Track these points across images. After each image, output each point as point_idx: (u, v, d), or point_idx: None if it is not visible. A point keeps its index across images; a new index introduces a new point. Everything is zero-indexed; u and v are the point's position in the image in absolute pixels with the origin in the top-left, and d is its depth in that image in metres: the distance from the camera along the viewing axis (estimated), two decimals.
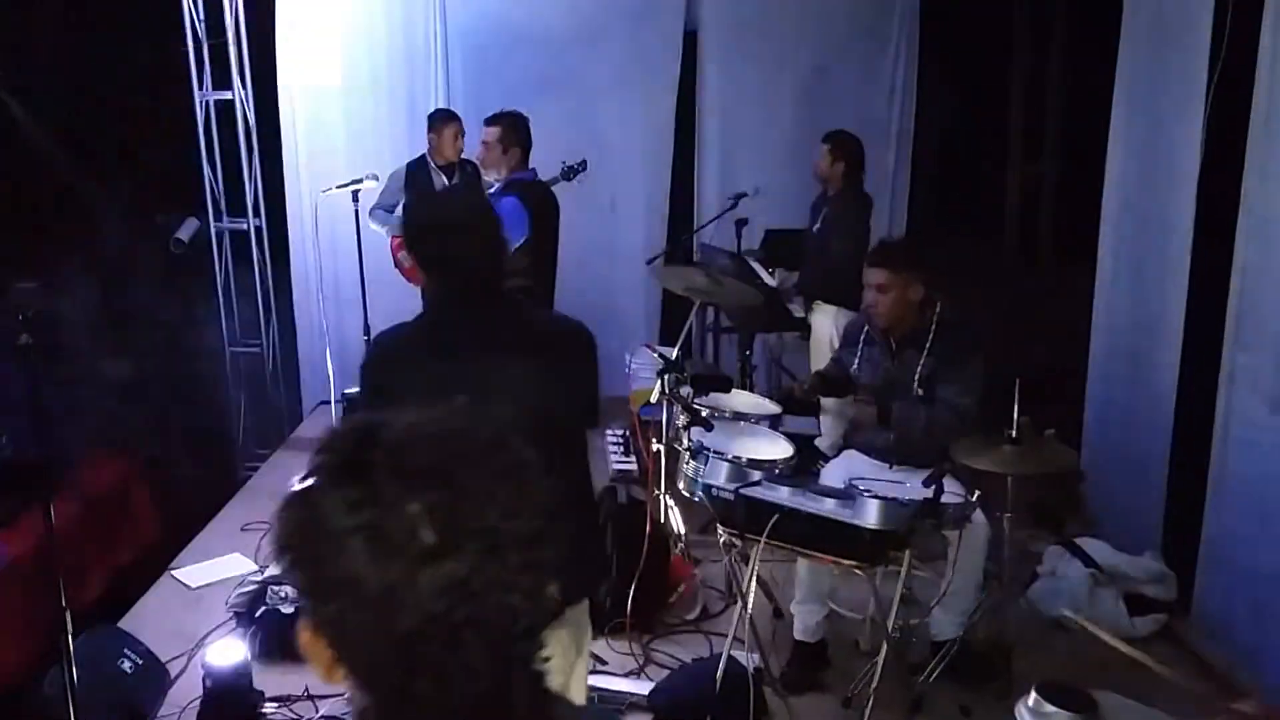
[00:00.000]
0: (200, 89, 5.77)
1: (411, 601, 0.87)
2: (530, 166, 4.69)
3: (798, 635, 3.65)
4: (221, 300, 6.16)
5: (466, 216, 2.35)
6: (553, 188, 4.85)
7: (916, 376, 3.63)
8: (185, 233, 5.82)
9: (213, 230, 6.02)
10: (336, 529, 0.88)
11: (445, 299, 2.33)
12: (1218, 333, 3.85)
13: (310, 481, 0.92)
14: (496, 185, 4.62)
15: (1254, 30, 3.63)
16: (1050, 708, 2.30)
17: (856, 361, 3.83)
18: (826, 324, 5.11)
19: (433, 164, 5.43)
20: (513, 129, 4.56)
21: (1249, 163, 3.68)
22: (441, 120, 5.42)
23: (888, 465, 3.73)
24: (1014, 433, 3.22)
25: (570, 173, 4.96)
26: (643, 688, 3.47)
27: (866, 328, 3.81)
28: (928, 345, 3.65)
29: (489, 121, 4.72)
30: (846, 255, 4.84)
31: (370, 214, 5.36)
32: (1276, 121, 3.56)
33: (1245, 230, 3.72)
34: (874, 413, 3.69)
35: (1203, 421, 3.92)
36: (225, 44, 5.68)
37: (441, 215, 2.41)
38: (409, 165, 5.45)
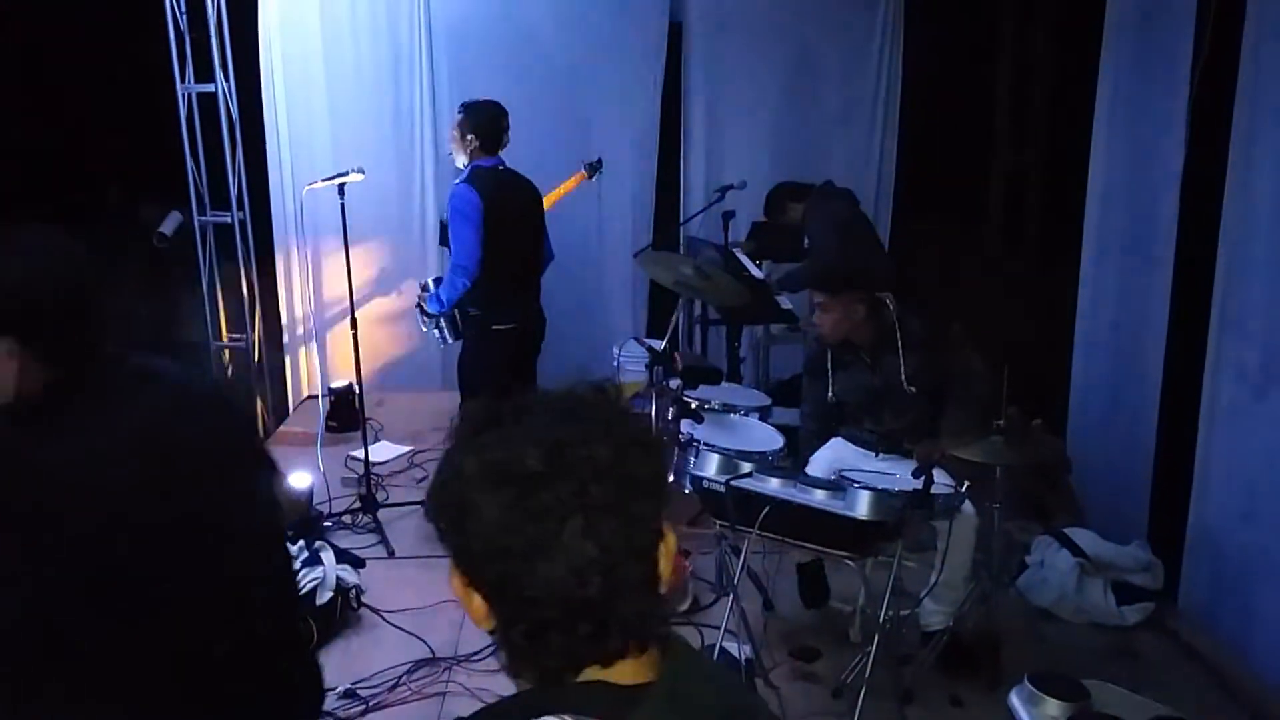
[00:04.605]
0: (182, 82, 5.72)
1: (521, 521, 0.98)
2: (498, 155, 4.67)
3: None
4: (206, 295, 6.11)
5: None
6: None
7: (903, 377, 3.66)
8: (169, 227, 5.77)
9: (196, 224, 5.96)
10: (468, 471, 1.02)
11: None
12: (1203, 320, 3.86)
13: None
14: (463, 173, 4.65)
15: (1238, 16, 3.65)
16: (1043, 697, 2.31)
17: (830, 389, 3.85)
18: None
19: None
20: (470, 117, 4.57)
21: (1233, 150, 3.69)
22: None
23: (873, 454, 3.76)
24: (1002, 423, 3.24)
25: (591, 170, 5.28)
26: None
27: (830, 352, 3.83)
28: (900, 344, 3.68)
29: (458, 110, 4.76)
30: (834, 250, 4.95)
31: None
32: (1261, 108, 3.58)
33: (1230, 217, 3.73)
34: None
35: (1188, 409, 3.94)
36: (207, 36, 5.63)
37: None
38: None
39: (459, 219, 4.41)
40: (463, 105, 4.58)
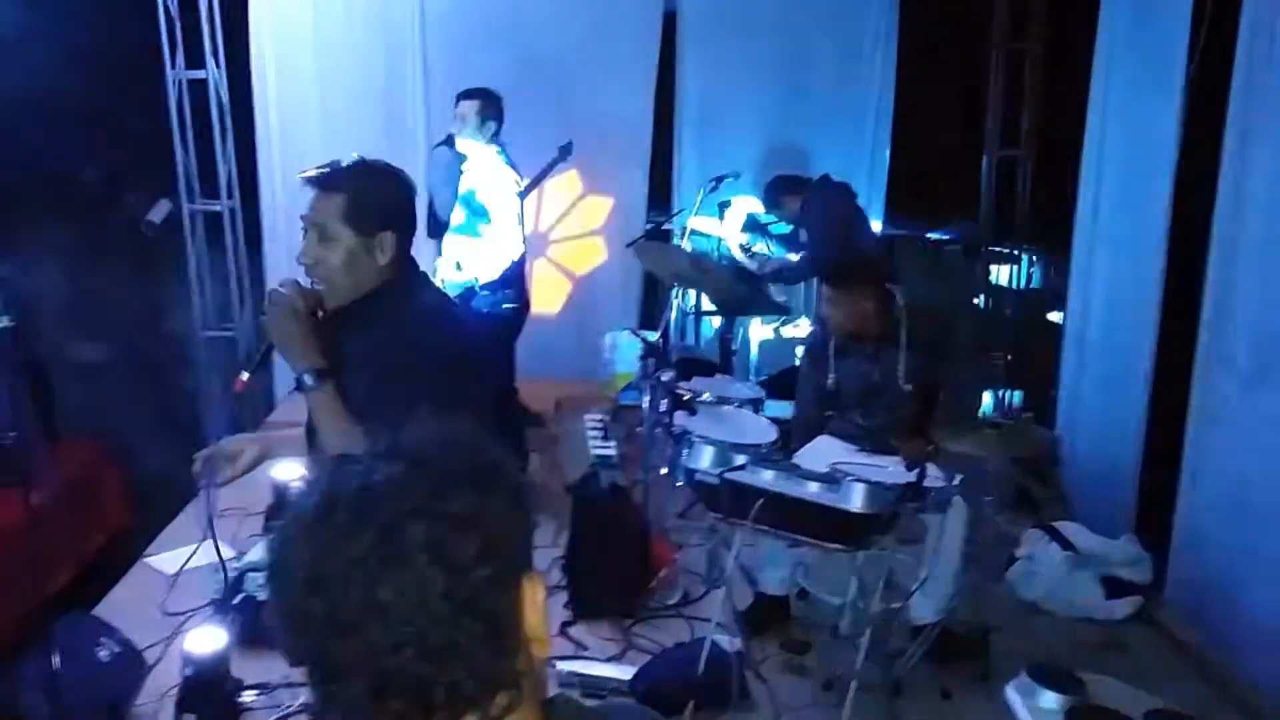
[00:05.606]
0: (173, 68, 5.67)
1: (323, 577, 0.87)
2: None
3: (762, 588, 3.70)
4: (194, 283, 6.07)
5: None
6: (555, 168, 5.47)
7: (901, 373, 3.65)
8: (157, 214, 5.73)
9: (185, 212, 5.93)
10: (281, 533, 0.93)
11: None
12: (1194, 314, 3.87)
13: None
14: None
15: (1234, 11, 3.64)
16: (1041, 689, 2.31)
17: (832, 377, 3.84)
18: None
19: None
20: (492, 104, 4.69)
21: (1227, 145, 3.69)
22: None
23: (858, 449, 3.75)
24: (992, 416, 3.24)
25: (564, 153, 5.40)
26: (624, 673, 3.46)
27: (832, 341, 3.82)
28: (903, 341, 3.67)
29: (467, 95, 4.78)
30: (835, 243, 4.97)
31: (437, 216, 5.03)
32: (1255, 103, 3.57)
33: (1222, 211, 3.73)
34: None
35: (1179, 403, 3.95)
36: (198, 22, 5.58)
37: None
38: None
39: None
40: (478, 91, 4.71)
